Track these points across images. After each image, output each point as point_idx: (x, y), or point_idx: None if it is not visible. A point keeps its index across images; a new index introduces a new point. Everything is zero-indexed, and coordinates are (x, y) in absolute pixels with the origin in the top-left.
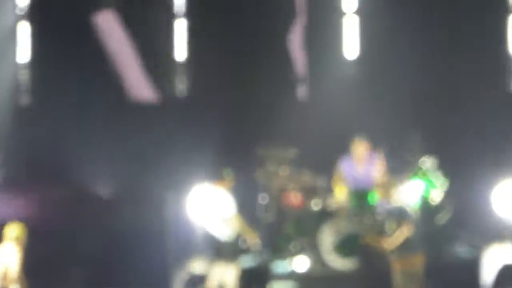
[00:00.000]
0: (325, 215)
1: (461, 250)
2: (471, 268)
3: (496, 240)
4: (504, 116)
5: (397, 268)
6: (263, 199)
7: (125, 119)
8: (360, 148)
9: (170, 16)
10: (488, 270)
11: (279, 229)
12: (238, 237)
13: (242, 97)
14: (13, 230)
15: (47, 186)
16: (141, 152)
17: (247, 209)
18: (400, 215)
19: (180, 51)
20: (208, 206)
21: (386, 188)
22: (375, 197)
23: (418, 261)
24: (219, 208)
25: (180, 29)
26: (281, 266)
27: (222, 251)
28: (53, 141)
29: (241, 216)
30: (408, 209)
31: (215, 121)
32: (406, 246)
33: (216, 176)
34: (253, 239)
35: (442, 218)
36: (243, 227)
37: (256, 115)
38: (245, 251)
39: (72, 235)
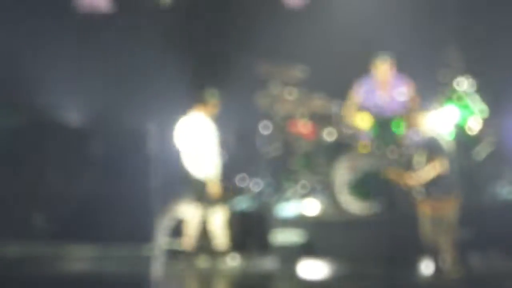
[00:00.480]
0: (340, 147)
1: (504, 191)
2: None
3: None
4: None
5: (425, 212)
6: (265, 128)
7: (94, 35)
8: (383, 68)
9: None
10: None
11: (285, 165)
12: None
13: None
14: None
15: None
16: (116, 73)
17: (245, 140)
18: (431, 147)
19: None
20: (187, 138)
21: (415, 115)
22: (401, 126)
23: (451, 205)
24: (199, 140)
25: None
26: (286, 209)
27: (205, 191)
28: (10, 61)
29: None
30: (440, 140)
31: (205, 33)
32: (437, 186)
33: (197, 99)
34: (215, 189)
35: (481, 152)
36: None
37: (256, 25)
38: (240, 191)
39: (34, 173)
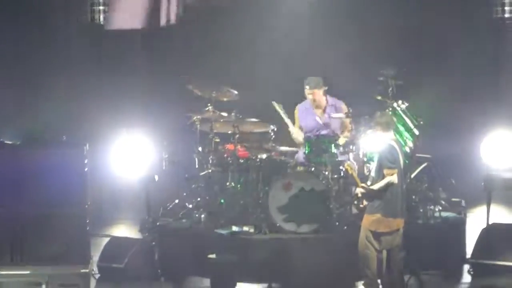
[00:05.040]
0: (275, 166)
1: (439, 211)
2: (451, 233)
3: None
4: (492, 50)
5: (365, 226)
6: (200, 148)
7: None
8: (313, 96)
9: None
10: (471, 234)
11: (220, 183)
12: None
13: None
14: None
15: None
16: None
17: (181, 160)
18: (381, 159)
19: None
20: None
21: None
22: (336, 145)
23: (396, 224)
24: None
25: None
26: (220, 228)
27: None
28: None
29: None
30: (394, 150)
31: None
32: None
33: None
34: None
35: (416, 172)
36: None
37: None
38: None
39: None
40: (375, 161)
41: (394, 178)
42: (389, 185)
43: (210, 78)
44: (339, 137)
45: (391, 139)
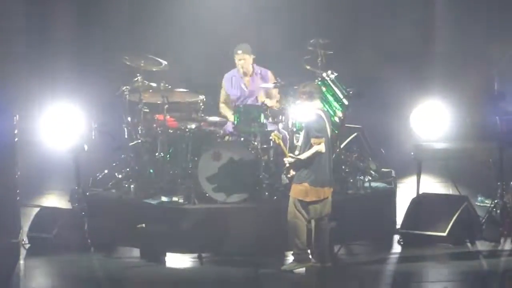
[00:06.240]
0: (204, 136)
1: (369, 181)
2: (381, 203)
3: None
4: (423, 21)
5: (293, 195)
6: (129, 118)
7: None
8: (243, 59)
9: None
10: (401, 204)
11: (149, 153)
12: None
13: None
14: None
15: None
16: None
17: (110, 130)
18: (308, 129)
19: None
20: None
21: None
22: (264, 115)
23: (326, 192)
24: None
25: None
26: (150, 198)
27: None
28: None
29: None
30: (321, 121)
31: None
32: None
33: None
34: None
35: (345, 143)
36: None
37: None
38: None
39: None
40: (303, 131)
41: (321, 147)
42: (317, 154)
43: (139, 49)
44: (268, 107)
45: (318, 109)
